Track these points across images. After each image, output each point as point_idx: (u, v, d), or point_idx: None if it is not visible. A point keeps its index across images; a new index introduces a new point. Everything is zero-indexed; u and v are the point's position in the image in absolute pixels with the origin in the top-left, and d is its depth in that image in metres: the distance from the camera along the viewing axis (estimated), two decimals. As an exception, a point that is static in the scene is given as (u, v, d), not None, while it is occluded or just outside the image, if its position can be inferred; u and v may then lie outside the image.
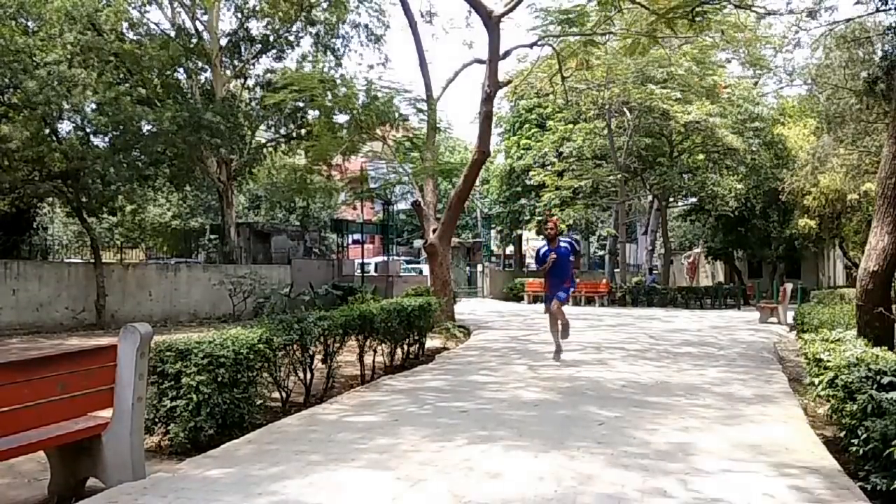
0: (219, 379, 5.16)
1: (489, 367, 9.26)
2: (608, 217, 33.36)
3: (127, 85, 17.34)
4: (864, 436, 4.16)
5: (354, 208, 26.90)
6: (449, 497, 3.96)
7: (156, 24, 21.47)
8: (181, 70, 20.43)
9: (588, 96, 25.11)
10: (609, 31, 14.52)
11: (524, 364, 9.54)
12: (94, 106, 16.12)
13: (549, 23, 14.07)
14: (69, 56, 15.40)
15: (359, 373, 8.20)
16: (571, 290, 10.45)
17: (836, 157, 20.23)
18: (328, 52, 22.14)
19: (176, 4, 20.13)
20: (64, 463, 4.26)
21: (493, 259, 42.88)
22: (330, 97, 15.40)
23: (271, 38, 21.07)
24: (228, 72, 21.33)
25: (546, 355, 10.14)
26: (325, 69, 21.51)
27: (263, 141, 22.65)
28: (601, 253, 40.66)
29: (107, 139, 17.09)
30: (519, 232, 35.77)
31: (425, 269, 23.19)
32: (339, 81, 16.71)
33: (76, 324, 15.96)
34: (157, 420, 5.17)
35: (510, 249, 41.79)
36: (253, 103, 21.69)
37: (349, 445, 5.07)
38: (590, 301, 26.01)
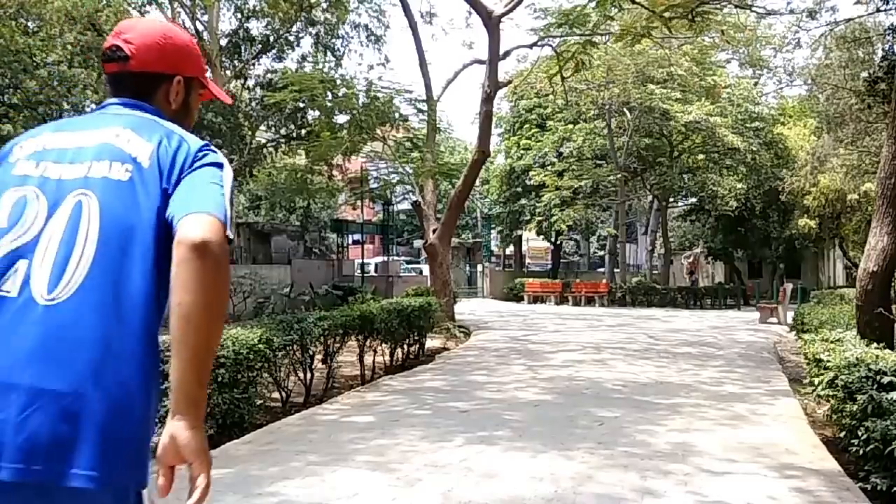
0: (218, 379, 5.15)
1: (489, 368, 9.27)
2: (608, 217, 33.31)
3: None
4: (865, 436, 4.15)
5: (355, 208, 26.89)
6: (447, 498, 3.96)
7: (156, 24, 21.43)
8: (181, 70, 20.40)
9: (588, 96, 25.04)
10: (608, 32, 14.51)
11: (523, 364, 9.54)
12: (94, 106, 16.08)
13: (550, 24, 14.07)
14: (69, 56, 15.39)
15: (359, 373, 8.20)
16: None
17: (836, 157, 20.19)
18: (328, 53, 22.12)
19: (176, 4, 20.11)
20: (63, 463, 4.24)
21: (494, 259, 42.82)
22: (330, 97, 15.38)
23: (271, 39, 21.04)
24: (228, 72, 21.29)
25: (546, 355, 10.14)
26: (326, 69, 21.48)
27: (263, 141, 22.62)
28: (601, 253, 40.61)
29: (107, 139, 17.07)
30: (519, 232, 35.67)
31: (425, 269, 23.16)
32: (339, 81, 16.68)
33: (76, 324, 15.92)
34: (157, 420, 5.15)
35: (510, 250, 41.66)
36: (253, 103, 21.66)
37: (348, 446, 5.07)
38: (590, 301, 25.97)
